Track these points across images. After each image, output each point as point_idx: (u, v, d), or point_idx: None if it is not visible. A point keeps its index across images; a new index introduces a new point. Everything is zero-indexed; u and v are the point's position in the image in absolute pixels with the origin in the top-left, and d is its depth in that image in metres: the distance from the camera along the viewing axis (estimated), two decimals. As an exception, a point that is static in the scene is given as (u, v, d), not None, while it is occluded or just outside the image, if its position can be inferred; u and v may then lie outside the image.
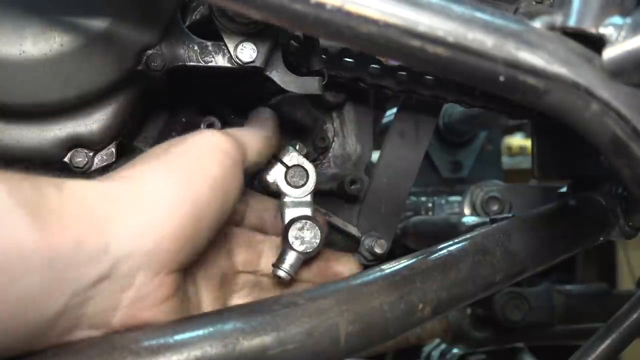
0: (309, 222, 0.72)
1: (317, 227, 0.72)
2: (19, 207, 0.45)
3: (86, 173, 0.72)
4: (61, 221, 0.46)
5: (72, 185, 0.49)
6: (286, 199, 0.74)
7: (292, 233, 0.72)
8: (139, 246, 0.50)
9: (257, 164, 0.66)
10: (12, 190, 0.45)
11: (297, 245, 0.71)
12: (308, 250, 0.71)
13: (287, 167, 0.75)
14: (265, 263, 0.73)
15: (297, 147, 0.77)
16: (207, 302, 0.64)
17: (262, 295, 0.72)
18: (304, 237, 0.72)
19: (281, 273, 0.71)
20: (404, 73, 0.89)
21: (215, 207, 0.55)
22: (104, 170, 0.74)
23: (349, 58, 0.87)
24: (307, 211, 0.74)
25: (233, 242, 0.71)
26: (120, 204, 0.51)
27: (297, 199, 0.74)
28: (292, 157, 0.75)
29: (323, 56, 0.84)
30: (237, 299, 0.71)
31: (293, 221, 0.72)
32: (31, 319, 0.45)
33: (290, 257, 0.71)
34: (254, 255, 0.72)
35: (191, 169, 0.55)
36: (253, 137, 0.65)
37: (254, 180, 0.85)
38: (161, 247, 0.51)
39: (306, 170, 0.75)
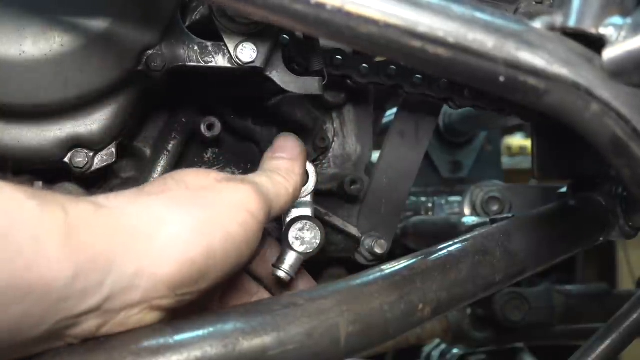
0: (309, 222, 0.72)
1: (317, 228, 0.72)
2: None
3: (86, 173, 0.72)
4: (62, 250, 0.45)
5: (82, 209, 0.48)
6: None
7: (292, 233, 0.71)
8: (137, 285, 0.49)
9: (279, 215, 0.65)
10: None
11: (297, 246, 0.71)
12: (308, 251, 0.71)
13: None
14: None
15: None
16: None
17: None
18: (304, 238, 0.71)
19: (281, 274, 0.70)
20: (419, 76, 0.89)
21: (224, 264, 0.55)
22: (104, 170, 0.74)
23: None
24: (308, 211, 0.74)
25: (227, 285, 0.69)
26: (129, 238, 0.49)
27: (297, 199, 0.74)
28: None
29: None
30: None
31: (293, 221, 0.72)
32: (12, 339, 0.45)
33: (290, 258, 0.71)
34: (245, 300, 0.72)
35: (213, 221, 0.54)
36: (281, 194, 0.64)
37: None
38: (156, 289, 0.50)
39: (306, 171, 0.75)
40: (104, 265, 0.47)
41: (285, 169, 0.66)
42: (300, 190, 0.69)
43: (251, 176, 0.63)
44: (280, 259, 0.71)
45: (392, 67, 0.88)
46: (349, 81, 0.88)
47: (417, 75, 0.90)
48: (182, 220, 0.52)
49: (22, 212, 0.44)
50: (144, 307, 0.51)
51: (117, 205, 0.51)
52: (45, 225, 0.45)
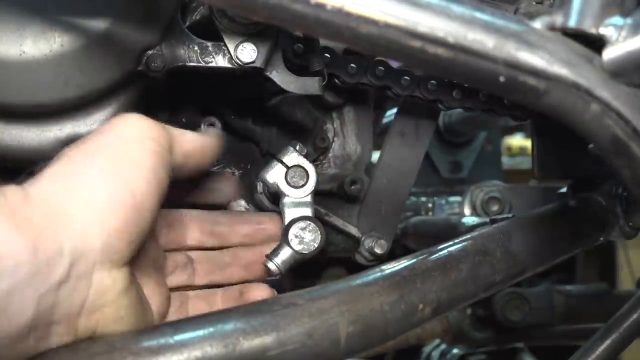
0: (312, 224, 0.72)
1: (318, 232, 0.72)
2: None
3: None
4: (14, 229, 0.47)
5: (13, 193, 0.50)
6: (286, 200, 0.74)
7: (293, 231, 0.71)
8: (90, 245, 0.51)
9: (183, 166, 0.62)
10: None
11: (295, 244, 0.71)
12: (304, 252, 0.71)
13: (287, 168, 0.75)
14: (192, 237, 0.73)
15: (297, 147, 0.77)
16: (151, 288, 0.64)
17: (196, 275, 0.73)
18: (304, 238, 0.71)
19: (271, 265, 0.71)
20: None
21: (153, 196, 0.56)
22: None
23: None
24: (308, 211, 0.74)
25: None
26: (63, 206, 0.51)
27: (297, 199, 0.74)
28: (292, 158, 0.75)
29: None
30: (173, 280, 0.71)
31: (296, 220, 0.72)
32: (4, 329, 0.46)
33: (285, 253, 0.71)
34: (178, 232, 0.73)
35: (124, 162, 0.55)
36: (182, 135, 0.62)
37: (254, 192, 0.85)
38: (111, 243, 0.52)
39: (306, 171, 0.75)
40: (53, 235, 0.49)
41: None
42: (213, 151, 0.66)
43: None
44: (274, 252, 0.71)
45: (380, 67, 0.88)
46: (336, 81, 0.88)
47: (406, 77, 0.90)
48: (100, 174, 0.53)
49: None
50: (109, 266, 0.52)
51: (38, 181, 0.52)
52: None
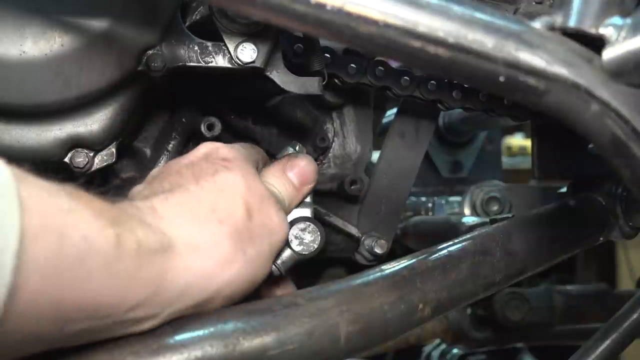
0: (312, 225, 0.72)
1: (318, 233, 0.72)
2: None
3: (86, 173, 0.72)
4: (129, 281, 0.49)
5: (149, 242, 0.51)
6: None
7: (294, 231, 0.71)
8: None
9: None
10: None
11: (295, 245, 0.71)
12: (304, 252, 0.71)
13: None
14: None
15: (297, 147, 0.77)
16: None
17: None
18: (304, 239, 0.71)
19: (272, 267, 0.71)
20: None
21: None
22: (104, 170, 0.74)
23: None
24: (307, 212, 0.73)
25: None
26: (191, 276, 0.54)
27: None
28: None
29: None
30: None
31: (296, 221, 0.72)
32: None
33: (285, 254, 0.71)
34: None
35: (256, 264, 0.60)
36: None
37: None
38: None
39: None
40: (164, 300, 0.51)
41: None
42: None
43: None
44: None
45: (380, 67, 0.88)
46: (336, 81, 0.88)
47: (406, 77, 0.90)
48: (237, 267, 0.57)
49: (99, 239, 0.46)
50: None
51: (181, 237, 0.54)
52: (120, 255, 0.47)
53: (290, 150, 0.76)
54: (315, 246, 0.71)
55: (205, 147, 0.65)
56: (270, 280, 0.70)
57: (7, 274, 0.39)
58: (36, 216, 0.42)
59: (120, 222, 0.49)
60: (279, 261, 0.71)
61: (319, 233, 0.72)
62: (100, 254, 0.46)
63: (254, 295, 0.63)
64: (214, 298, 0.55)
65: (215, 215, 0.57)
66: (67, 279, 0.43)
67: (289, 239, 0.71)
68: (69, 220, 0.44)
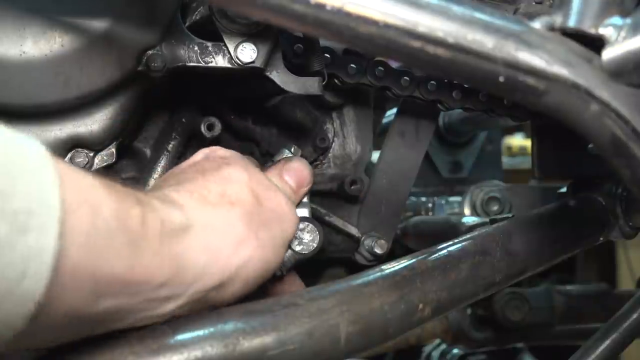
0: (311, 224, 0.72)
1: (317, 232, 0.72)
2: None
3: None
4: (155, 258, 0.50)
5: (172, 221, 0.53)
6: None
7: None
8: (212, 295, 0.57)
9: None
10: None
11: (294, 245, 0.71)
12: (303, 252, 0.71)
13: None
14: None
15: (292, 149, 0.77)
16: None
17: None
18: (303, 239, 0.71)
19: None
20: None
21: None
22: (104, 170, 0.74)
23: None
24: (305, 212, 0.73)
25: None
26: (211, 257, 0.55)
27: None
28: None
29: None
30: None
31: None
32: (96, 330, 0.49)
33: (285, 254, 0.71)
34: None
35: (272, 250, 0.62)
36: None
37: None
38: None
39: None
40: (187, 279, 0.52)
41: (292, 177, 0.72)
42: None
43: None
44: None
45: (380, 68, 0.88)
46: (336, 81, 0.88)
47: (405, 77, 0.90)
48: (251, 248, 0.59)
49: (127, 217, 0.47)
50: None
51: (198, 219, 0.56)
52: (145, 233, 0.49)
53: (286, 152, 0.76)
54: (315, 245, 0.72)
55: (203, 152, 0.68)
56: (274, 279, 0.70)
57: (52, 240, 0.40)
58: (73, 189, 0.43)
59: (144, 202, 0.50)
60: None
61: (317, 232, 0.72)
62: (128, 231, 0.47)
63: (261, 294, 0.64)
64: (233, 280, 0.57)
65: (225, 199, 0.59)
66: (100, 252, 0.44)
67: None
68: (101, 196, 0.45)
